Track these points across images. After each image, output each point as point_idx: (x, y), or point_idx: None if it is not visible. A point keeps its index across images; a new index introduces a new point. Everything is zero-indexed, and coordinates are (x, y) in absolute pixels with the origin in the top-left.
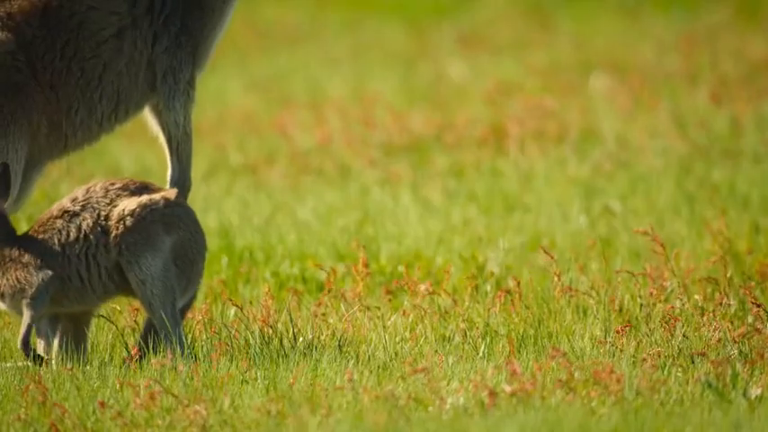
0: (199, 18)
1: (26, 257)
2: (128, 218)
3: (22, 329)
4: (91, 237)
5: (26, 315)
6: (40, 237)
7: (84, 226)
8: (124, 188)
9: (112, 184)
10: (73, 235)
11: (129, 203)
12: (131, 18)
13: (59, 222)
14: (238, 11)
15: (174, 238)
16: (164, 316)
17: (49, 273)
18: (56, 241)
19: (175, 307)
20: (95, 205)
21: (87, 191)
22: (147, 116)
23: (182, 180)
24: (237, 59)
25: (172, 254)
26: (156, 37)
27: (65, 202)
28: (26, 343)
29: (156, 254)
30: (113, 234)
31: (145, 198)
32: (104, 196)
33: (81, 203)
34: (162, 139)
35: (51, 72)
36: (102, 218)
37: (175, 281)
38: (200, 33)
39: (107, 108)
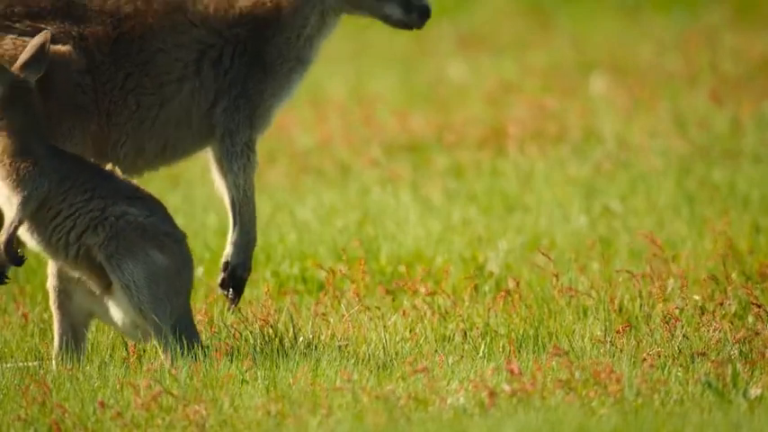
0: (260, 82)
1: (42, 161)
2: (122, 220)
3: (8, 229)
4: (90, 204)
5: (14, 213)
6: (67, 164)
7: (96, 194)
8: (151, 201)
9: (145, 190)
10: (83, 188)
11: (137, 210)
12: (196, 69)
13: (88, 171)
14: None
15: (164, 259)
16: (157, 320)
17: (45, 185)
18: (71, 177)
19: (167, 314)
20: (116, 189)
21: (126, 179)
22: (213, 177)
23: (244, 241)
24: None
25: (159, 270)
26: (217, 95)
27: (111, 168)
28: (9, 243)
29: (137, 263)
30: (105, 229)
31: (151, 218)
32: (133, 190)
33: (110, 177)
34: (226, 200)
35: (110, 100)
36: (111, 203)
37: (165, 295)
38: (260, 98)
39: (154, 147)
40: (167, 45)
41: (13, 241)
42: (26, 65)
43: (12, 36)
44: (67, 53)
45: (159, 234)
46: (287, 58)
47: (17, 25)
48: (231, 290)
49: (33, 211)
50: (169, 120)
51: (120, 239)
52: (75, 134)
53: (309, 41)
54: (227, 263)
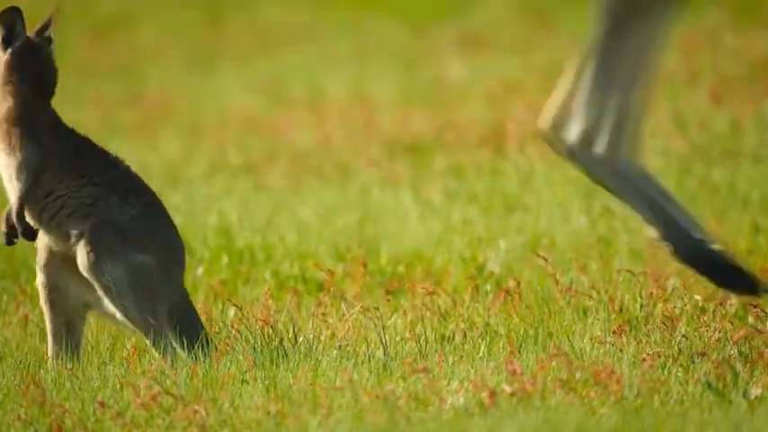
0: None
1: (42, 136)
2: (107, 215)
3: (15, 203)
4: (83, 191)
5: (17, 185)
6: (71, 147)
7: (91, 180)
8: (149, 196)
9: (145, 184)
10: (80, 173)
11: (127, 206)
12: None
13: (90, 155)
14: (238, 11)
15: (146, 259)
16: (144, 323)
17: (38, 155)
18: (71, 161)
19: (156, 315)
20: (112, 178)
21: (128, 168)
22: None
23: None
24: (237, 59)
25: (142, 270)
26: None
27: (121, 163)
28: (19, 216)
29: (116, 263)
30: (90, 220)
31: (140, 219)
32: (131, 182)
33: (112, 166)
34: None
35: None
36: (104, 194)
37: (151, 296)
38: None
39: None
40: None
41: (23, 212)
42: (40, 31)
43: None
44: None
45: (143, 234)
46: None
47: None
48: None
49: (32, 183)
50: None
51: (102, 237)
52: None
53: None
54: None
